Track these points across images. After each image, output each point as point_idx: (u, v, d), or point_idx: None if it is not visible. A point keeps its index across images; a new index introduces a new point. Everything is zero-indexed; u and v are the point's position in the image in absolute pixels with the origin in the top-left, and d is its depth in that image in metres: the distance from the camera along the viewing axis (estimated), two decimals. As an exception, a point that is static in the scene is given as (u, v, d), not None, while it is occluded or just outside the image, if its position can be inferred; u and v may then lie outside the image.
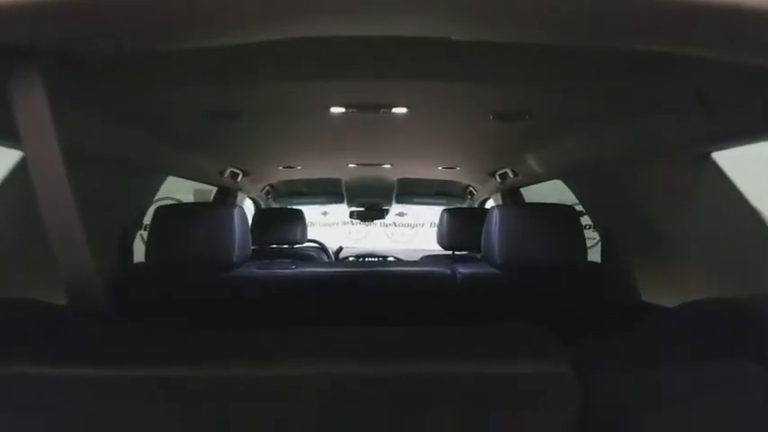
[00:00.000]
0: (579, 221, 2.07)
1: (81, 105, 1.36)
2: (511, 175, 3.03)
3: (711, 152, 1.64)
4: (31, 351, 0.74)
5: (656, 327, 0.96)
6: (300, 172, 3.41)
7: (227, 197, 3.64)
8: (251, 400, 0.70)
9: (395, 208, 7.45)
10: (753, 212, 1.58)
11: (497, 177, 3.24)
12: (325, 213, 7.82)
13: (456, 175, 3.59)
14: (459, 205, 4.45)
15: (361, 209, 4.85)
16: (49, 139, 0.65)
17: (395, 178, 3.86)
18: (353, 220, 6.82)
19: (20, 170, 1.63)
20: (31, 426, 0.71)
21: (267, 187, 4.04)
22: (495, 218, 2.06)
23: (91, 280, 0.69)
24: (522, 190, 3.58)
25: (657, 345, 0.83)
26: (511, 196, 3.62)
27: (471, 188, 4.15)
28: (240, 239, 1.95)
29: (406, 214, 8.41)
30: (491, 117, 1.83)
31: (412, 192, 4.48)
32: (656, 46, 0.70)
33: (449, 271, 2.33)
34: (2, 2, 0.49)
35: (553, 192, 3.07)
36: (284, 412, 0.70)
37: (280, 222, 3.42)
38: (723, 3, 0.54)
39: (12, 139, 1.42)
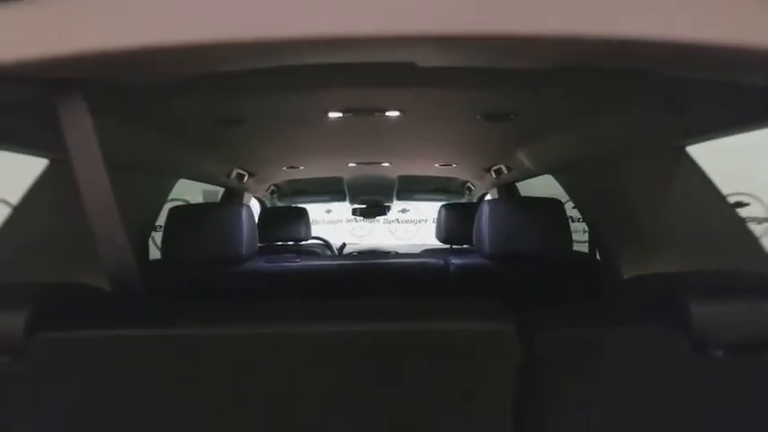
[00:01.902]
0: (565, 214, 2.20)
1: (112, 120, 1.51)
2: (505, 170, 3.16)
3: (685, 146, 1.78)
4: (106, 317, 0.89)
5: (605, 296, 1.09)
6: (303, 172, 3.55)
7: (233, 197, 3.78)
8: (279, 352, 0.87)
9: (397, 205, 7.57)
10: (722, 200, 1.71)
11: (492, 173, 3.36)
12: (328, 211, 7.96)
13: (453, 172, 3.72)
14: (458, 200, 4.57)
15: (363, 206, 4.98)
16: (92, 150, 0.78)
17: (395, 176, 3.99)
18: (357, 218, 6.95)
19: (47, 175, 1.78)
20: (110, 380, 0.87)
21: (272, 187, 4.18)
22: (485, 211, 2.20)
23: (129, 268, 0.83)
24: (523, 185, 3.70)
25: (597, 310, 0.96)
26: (507, 191, 3.75)
27: (469, 184, 4.27)
28: (248, 235, 2.09)
29: (408, 211, 8.53)
30: (478, 117, 1.96)
31: (412, 188, 4.61)
32: (625, 65, 0.83)
33: (442, 262, 2.46)
34: (59, 51, 0.63)
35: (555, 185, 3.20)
36: (306, 363, 0.87)
37: (284, 220, 3.57)
38: (695, 41, 0.67)
39: (43, 150, 1.57)
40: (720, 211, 1.66)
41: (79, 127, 0.77)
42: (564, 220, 2.16)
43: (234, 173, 3.14)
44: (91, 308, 0.91)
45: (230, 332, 0.88)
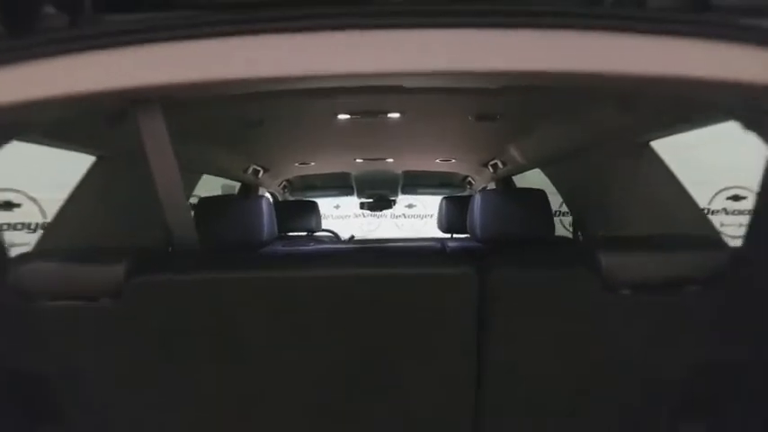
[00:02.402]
0: (548, 202, 2.46)
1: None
2: (500, 165, 3.42)
3: (649, 141, 2.04)
4: (181, 266, 1.17)
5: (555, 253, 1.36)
6: (314, 168, 3.83)
7: (249, 191, 4.06)
8: (303, 293, 1.16)
9: (404, 200, 7.77)
10: (680, 187, 1.97)
11: (490, 168, 3.62)
12: (337, 207, 8.20)
13: (454, 167, 3.98)
14: (459, 194, 4.83)
15: (370, 200, 5.23)
16: (167, 152, 1.06)
17: (399, 171, 4.26)
18: (364, 212, 7.18)
19: (94, 169, 2.07)
20: (190, 313, 1.17)
21: (284, 182, 4.45)
22: (478, 201, 2.46)
23: (191, 235, 1.11)
24: (519, 179, 3.95)
25: (538, 258, 1.22)
26: (503, 184, 4.01)
27: (470, 178, 4.53)
28: (268, 222, 2.36)
29: (415, 206, 8.74)
30: (470, 118, 2.23)
31: (416, 183, 4.87)
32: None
33: (439, 245, 2.73)
34: (152, 81, 0.91)
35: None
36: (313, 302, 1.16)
37: (297, 213, 3.85)
38: (656, 75, 0.92)
39: (94, 148, 1.86)
40: (677, 196, 1.92)
41: (155, 132, 1.05)
42: (547, 208, 2.42)
43: (250, 169, 3.41)
44: (169, 260, 1.18)
45: (274, 275, 1.17)
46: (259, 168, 3.52)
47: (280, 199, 4.84)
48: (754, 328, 1.16)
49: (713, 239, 1.16)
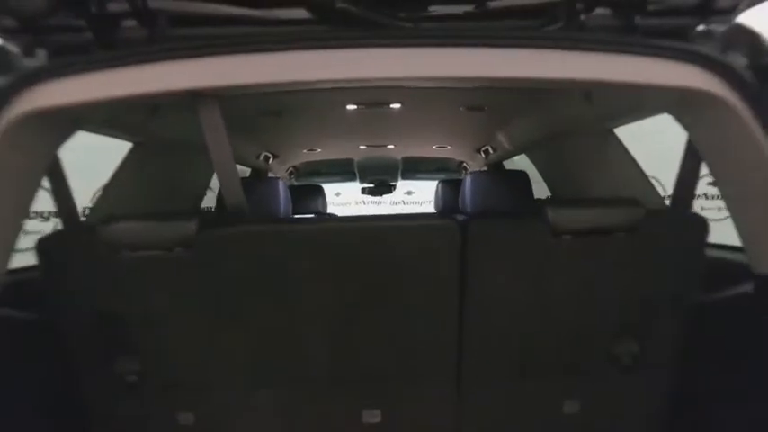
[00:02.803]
0: (529, 183, 2.79)
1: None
2: (491, 151, 3.75)
3: (613, 128, 2.36)
4: (249, 222, 1.50)
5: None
6: (320, 154, 4.15)
7: (258, 176, 4.39)
8: (326, 241, 1.52)
9: (403, 186, 8.07)
10: (637, 168, 2.29)
11: (482, 153, 3.94)
12: (338, 194, 8.51)
13: (449, 153, 4.30)
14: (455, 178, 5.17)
15: (372, 185, 5.56)
16: (223, 137, 1.38)
17: (399, 157, 4.58)
18: (365, 199, 7.48)
19: (132, 153, 2.39)
20: (254, 274, 1.49)
21: (291, 168, 4.77)
22: (468, 181, 2.79)
23: (242, 204, 1.45)
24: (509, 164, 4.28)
25: (507, 217, 1.55)
26: (495, 168, 4.34)
27: (465, 164, 4.85)
28: (284, 201, 2.69)
29: (414, 193, 9.06)
30: (461, 109, 2.55)
31: (415, 168, 5.19)
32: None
33: None
34: (214, 84, 1.23)
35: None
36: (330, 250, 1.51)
37: (305, 196, 4.17)
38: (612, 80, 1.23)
39: (133, 136, 2.19)
40: (634, 176, 2.25)
41: (213, 122, 1.37)
42: (528, 187, 2.75)
43: (262, 155, 3.73)
44: (228, 220, 1.50)
45: (307, 228, 1.55)
46: (270, 155, 3.84)
47: (287, 184, 5.16)
48: (664, 267, 1.52)
49: (633, 201, 1.50)
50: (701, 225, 1.51)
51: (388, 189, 5.63)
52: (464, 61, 1.17)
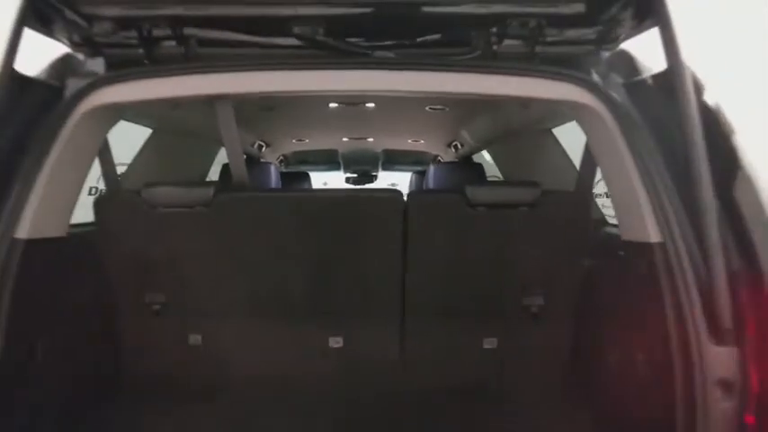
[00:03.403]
0: (483, 171, 3.32)
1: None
2: (460, 146, 4.26)
3: (551, 128, 2.87)
4: (248, 189, 2.01)
5: None
6: (308, 144, 4.67)
7: (252, 163, 4.88)
8: (311, 207, 2.07)
9: (387, 178, 8.57)
10: (568, 160, 2.80)
11: (452, 148, 4.46)
12: (325, 184, 9.01)
13: (424, 147, 4.83)
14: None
15: (355, 175, 6.07)
16: (234, 130, 1.90)
17: (379, 150, 5.10)
18: (350, 186, 7.94)
19: (151, 138, 2.88)
20: (254, 229, 1.99)
21: (281, 156, 5.27)
22: (431, 171, 3.31)
23: (245, 180, 1.95)
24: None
25: (439, 192, 2.06)
26: (465, 161, 4.86)
27: (439, 157, 5.37)
28: (276, 182, 3.19)
29: (396, 185, 9.58)
30: (427, 108, 3.05)
31: (395, 160, 5.71)
32: None
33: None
34: (230, 91, 1.72)
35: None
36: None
37: (293, 180, 4.68)
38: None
39: (151, 123, 2.68)
40: (565, 166, 2.76)
41: (227, 119, 1.87)
42: (482, 175, 3.28)
43: (256, 144, 4.23)
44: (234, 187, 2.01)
45: (295, 195, 2.08)
46: (263, 144, 4.33)
47: (278, 170, 5.66)
48: (559, 235, 2.02)
49: (534, 182, 1.99)
50: (587, 204, 2.03)
51: (370, 179, 6.13)
52: (407, 80, 1.66)
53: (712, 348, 1.34)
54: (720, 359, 1.34)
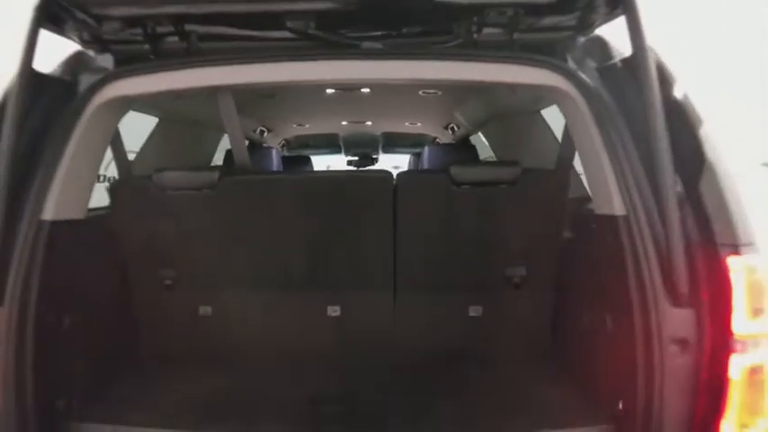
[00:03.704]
0: (476, 152, 3.45)
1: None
2: (456, 128, 4.39)
3: (540, 110, 2.99)
4: (249, 173, 2.20)
5: None
6: (309, 129, 4.81)
7: (254, 148, 5.03)
8: (311, 187, 2.26)
9: (390, 161, 8.71)
10: (554, 139, 2.92)
11: (449, 130, 4.59)
12: (328, 167, 9.16)
13: (422, 129, 4.96)
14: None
15: (356, 158, 6.21)
16: (235, 118, 2.04)
17: (379, 133, 5.23)
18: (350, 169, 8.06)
19: (158, 127, 3.03)
20: (256, 209, 2.17)
21: (283, 141, 5.41)
22: (426, 152, 3.45)
23: (247, 164, 2.10)
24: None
25: (429, 172, 2.21)
26: (462, 143, 4.99)
27: (438, 139, 5.50)
28: (277, 165, 3.34)
29: (400, 167, 9.72)
30: (421, 93, 3.18)
31: (394, 143, 5.84)
32: None
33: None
34: (232, 82, 1.86)
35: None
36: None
37: (295, 164, 4.84)
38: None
39: (158, 113, 2.82)
40: (551, 147, 2.88)
41: (228, 108, 2.03)
42: (475, 155, 3.42)
43: (258, 129, 4.37)
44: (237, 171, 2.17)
45: (294, 177, 2.27)
46: (265, 129, 4.48)
47: (280, 154, 5.80)
48: (539, 211, 2.17)
49: (514, 162, 2.15)
50: (565, 181, 2.16)
51: (371, 161, 6.26)
52: (392, 69, 1.79)
53: (670, 310, 1.49)
54: (677, 320, 1.49)
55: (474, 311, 2.32)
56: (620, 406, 1.66)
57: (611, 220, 1.66)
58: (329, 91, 3.12)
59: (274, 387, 2.02)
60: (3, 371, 1.56)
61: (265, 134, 4.59)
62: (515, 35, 1.91)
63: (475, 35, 1.91)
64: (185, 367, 2.19)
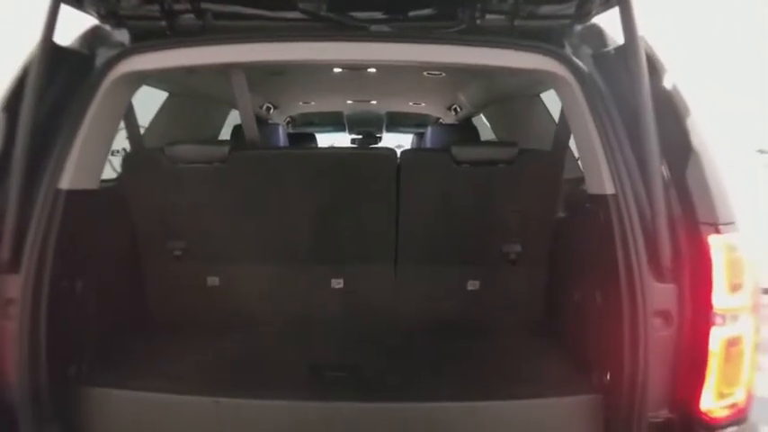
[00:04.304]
0: (477, 132, 3.54)
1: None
2: (459, 109, 4.46)
3: (539, 93, 3.07)
4: (258, 147, 2.32)
5: None
6: (314, 107, 4.89)
7: (261, 124, 5.12)
8: (317, 163, 2.38)
9: (395, 140, 8.81)
10: (552, 121, 3.00)
11: (453, 111, 4.66)
12: (332, 146, 9.25)
13: (425, 110, 5.03)
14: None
15: (360, 136, 6.29)
16: (246, 93, 2.11)
17: (383, 112, 5.31)
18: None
19: (167, 101, 3.11)
20: (264, 183, 2.28)
21: (289, 118, 5.48)
22: (429, 132, 3.53)
23: (257, 140, 2.19)
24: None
25: (429, 151, 2.30)
26: (465, 123, 5.06)
27: (441, 120, 5.57)
28: (284, 141, 3.43)
29: (403, 146, 9.79)
30: (425, 74, 3.25)
31: (398, 122, 5.92)
32: None
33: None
34: (243, 60, 1.94)
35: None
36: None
37: (300, 141, 4.92)
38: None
39: (168, 87, 2.90)
40: (549, 129, 2.96)
41: (240, 84, 2.12)
42: (476, 136, 3.50)
43: (264, 106, 4.44)
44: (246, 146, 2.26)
45: (302, 152, 2.36)
46: (271, 106, 4.55)
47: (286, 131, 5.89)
48: (534, 189, 2.27)
49: (512, 142, 2.25)
50: (560, 162, 2.25)
51: (375, 140, 6.34)
52: (398, 51, 1.87)
53: (654, 284, 1.58)
54: (661, 294, 1.58)
55: (472, 285, 2.43)
56: (608, 376, 1.76)
57: (602, 199, 1.74)
58: (336, 70, 3.19)
59: (280, 354, 2.12)
60: (18, 337, 1.62)
61: (271, 111, 4.66)
62: (516, 22, 1.99)
63: (478, 21, 1.98)
64: (194, 335, 2.28)
